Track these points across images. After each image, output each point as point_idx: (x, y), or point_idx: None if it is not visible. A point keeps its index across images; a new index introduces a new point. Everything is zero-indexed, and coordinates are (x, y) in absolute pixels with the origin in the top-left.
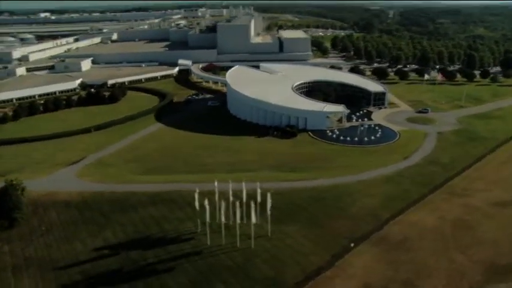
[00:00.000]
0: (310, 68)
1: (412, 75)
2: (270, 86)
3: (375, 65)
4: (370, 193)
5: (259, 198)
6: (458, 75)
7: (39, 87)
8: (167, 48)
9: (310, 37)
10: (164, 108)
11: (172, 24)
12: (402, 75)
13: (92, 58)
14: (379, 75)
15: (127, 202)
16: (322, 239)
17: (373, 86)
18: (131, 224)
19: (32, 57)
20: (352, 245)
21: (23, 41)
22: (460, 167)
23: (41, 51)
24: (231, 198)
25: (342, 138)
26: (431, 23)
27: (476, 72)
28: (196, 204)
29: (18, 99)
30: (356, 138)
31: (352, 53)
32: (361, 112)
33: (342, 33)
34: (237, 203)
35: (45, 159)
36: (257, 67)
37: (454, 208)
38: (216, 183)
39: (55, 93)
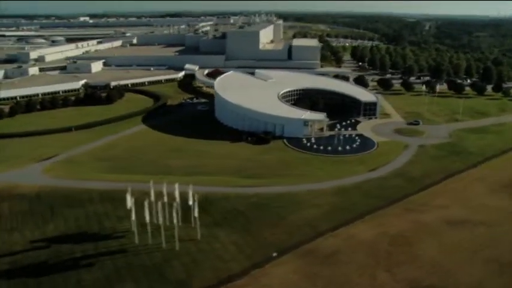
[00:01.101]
0: (305, 76)
1: (418, 86)
2: (257, 92)
3: (388, 75)
4: (316, 203)
5: (190, 202)
6: (469, 88)
7: (43, 86)
8: (177, 53)
9: (333, 46)
10: (155, 111)
11: (200, 31)
12: (408, 87)
13: (103, 60)
14: (384, 85)
15: (77, 198)
16: (249, 246)
17: (364, 95)
18: (74, 219)
19: (48, 58)
20: (274, 254)
21: (53, 43)
22: (428, 181)
23: (58, 53)
24: (165, 200)
25: (315, 146)
26: (467, 36)
27: (490, 86)
28: (128, 203)
29: (22, 97)
30: (329, 148)
31: (366, 63)
32: (348, 122)
33: (369, 43)
34: (160, 204)
35: (23, 154)
36: None
37: (401, 224)
38: (151, 184)
39: (58, 92)
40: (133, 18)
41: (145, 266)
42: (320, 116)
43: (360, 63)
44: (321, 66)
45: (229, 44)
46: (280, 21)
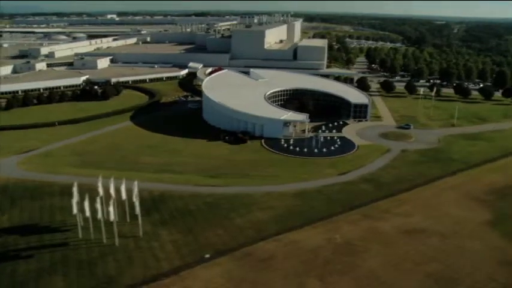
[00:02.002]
0: (299, 76)
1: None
2: (244, 91)
3: (397, 78)
4: (271, 206)
5: (134, 199)
6: (477, 93)
7: (44, 81)
8: (184, 51)
9: (348, 47)
10: (146, 108)
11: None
12: (411, 90)
13: (111, 57)
14: (386, 88)
15: (40, 191)
16: (188, 246)
17: (356, 97)
18: (29, 211)
19: (57, 54)
20: (207, 256)
21: (75, 40)
22: (398, 188)
23: (68, 49)
24: (113, 196)
25: (291, 148)
26: (496, 39)
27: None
28: (74, 198)
29: (24, 91)
30: (305, 150)
31: (376, 65)
32: (335, 123)
33: (390, 45)
34: (103, 200)
35: (5, 146)
36: None
37: (353, 231)
38: (100, 179)
39: (60, 87)
40: (160, 17)
41: (80, 261)
42: (301, 117)
43: (373, 65)
44: (329, 67)
45: (234, 43)
46: (297, 22)
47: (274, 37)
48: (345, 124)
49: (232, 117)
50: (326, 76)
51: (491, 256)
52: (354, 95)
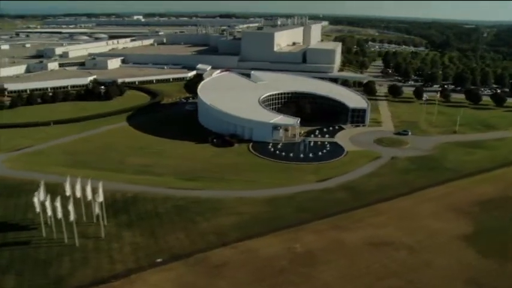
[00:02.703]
0: (301, 79)
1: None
2: (240, 94)
3: (410, 82)
4: (239, 211)
5: (101, 199)
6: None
7: (52, 80)
8: (195, 53)
9: (366, 51)
10: (144, 108)
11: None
12: (419, 95)
13: (122, 58)
14: (393, 92)
15: (20, 188)
16: (146, 249)
17: (355, 101)
18: (3, 208)
19: (71, 54)
20: (159, 260)
21: (97, 40)
22: (378, 197)
23: (83, 50)
24: (78, 196)
25: (277, 152)
26: None
27: None
28: (41, 196)
29: (32, 90)
30: (291, 154)
31: (390, 69)
32: (330, 128)
33: (412, 49)
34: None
35: (1, 143)
36: None
37: (318, 241)
38: (68, 180)
39: (67, 87)
40: (185, 18)
41: (36, 260)
42: (291, 120)
43: (388, 69)
44: (342, 70)
45: (243, 45)
46: (315, 25)
47: (285, 39)
48: (341, 129)
49: (222, 119)
50: (335, 79)
51: (459, 274)
52: (353, 99)
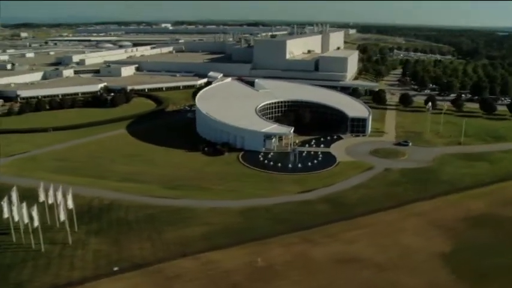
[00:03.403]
0: (303, 87)
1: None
2: (238, 102)
3: (427, 91)
4: (209, 222)
5: (70, 206)
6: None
7: (63, 87)
8: (208, 60)
9: (386, 59)
10: (147, 116)
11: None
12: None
13: (136, 65)
14: (404, 101)
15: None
16: (108, 257)
17: (355, 110)
18: None
19: (87, 62)
20: (115, 269)
21: (120, 47)
22: (359, 210)
23: (99, 57)
24: (50, 202)
25: (266, 162)
26: None
27: None
28: (4, 202)
29: (44, 96)
30: (279, 164)
31: (407, 77)
32: (328, 138)
33: (438, 58)
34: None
35: None
36: None
37: (283, 255)
38: (41, 186)
39: (77, 94)
40: (213, 26)
41: (0, 264)
42: (284, 129)
43: (405, 78)
44: (357, 79)
45: (256, 53)
46: (335, 33)
47: (299, 47)
48: (339, 138)
49: (216, 128)
50: (346, 88)
51: None
52: (354, 108)
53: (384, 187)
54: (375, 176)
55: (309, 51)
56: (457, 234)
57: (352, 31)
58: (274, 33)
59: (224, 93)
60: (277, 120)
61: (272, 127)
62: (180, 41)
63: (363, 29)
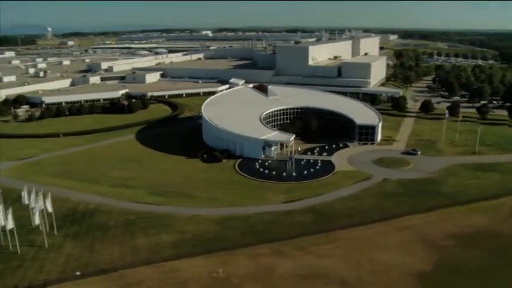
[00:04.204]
0: (315, 94)
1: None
2: (246, 108)
3: (456, 98)
4: (183, 229)
5: (50, 209)
6: None
7: (86, 94)
8: (232, 67)
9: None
10: (159, 122)
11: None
12: (453, 111)
13: (161, 72)
14: (424, 109)
15: None
16: (78, 261)
17: (365, 117)
18: None
19: (115, 69)
20: (78, 273)
21: (157, 54)
22: (343, 223)
23: (127, 64)
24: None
25: (261, 170)
26: None
27: None
28: None
29: (67, 102)
30: (274, 172)
31: (437, 84)
32: (333, 146)
33: (479, 62)
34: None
35: (10, 153)
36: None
37: (247, 267)
38: (25, 188)
39: (99, 100)
40: (253, 33)
41: None
42: (284, 137)
43: (429, 85)
44: (383, 85)
45: (278, 59)
46: (366, 38)
47: (324, 53)
48: (345, 147)
49: (217, 134)
50: (369, 95)
51: None
52: (364, 115)
53: (375, 199)
54: (369, 187)
55: (335, 57)
56: (443, 252)
57: (393, 37)
58: (299, 39)
59: (233, 100)
60: (284, 127)
61: (272, 134)
62: (211, 47)
63: (405, 34)
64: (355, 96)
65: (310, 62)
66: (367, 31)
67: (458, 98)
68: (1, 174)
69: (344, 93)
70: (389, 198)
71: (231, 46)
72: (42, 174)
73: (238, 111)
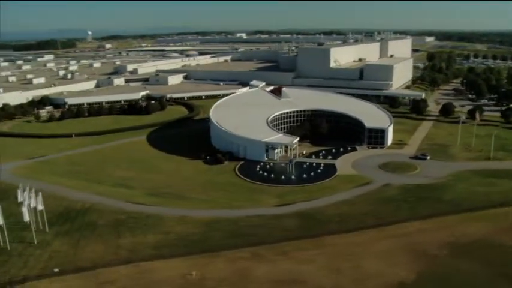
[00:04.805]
0: (330, 96)
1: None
2: (256, 111)
3: (483, 101)
4: (168, 230)
5: (41, 207)
6: None
7: (107, 95)
8: (255, 69)
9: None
10: (173, 123)
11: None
12: (473, 115)
13: (185, 74)
14: (444, 112)
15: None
16: (61, 258)
17: (375, 120)
18: None
19: (140, 71)
20: (56, 270)
21: (188, 56)
22: (332, 228)
23: (153, 66)
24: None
25: (261, 172)
26: None
27: None
28: None
29: (89, 103)
30: (272, 175)
31: (464, 86)
32: (341, 149)
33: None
34: None
35: (22, 152)
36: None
37: (223, 270)
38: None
39: (120, 101)
40: (287, 35)
41: None
42: (288, 139)
43: (456, 87)
44: (408, 88)
45: (299, 61)
46: (397, 40)
47: (348, 55)
48: (353, 150)
49: (222, 136)
50: (389, 97)
51: None
52: (374, 118)
53: (371, 204)
54: (368, 192)
55: (360, 60)
56: (431, 262)
57: (429, 39)
58: (322, 41)
59: (244, 102)
60: (292, 130)
61: (275, 137)
62: (239, 50)
63: (444, 36)
64: (377, 99)
65: (332, 64)
66: (405, 33)
67: (486, 101)
68: (10, 172)
69: (365, 96)
70: (387, 204)
71: (257, 48)
72: (48, 173)
73: (246, 114)
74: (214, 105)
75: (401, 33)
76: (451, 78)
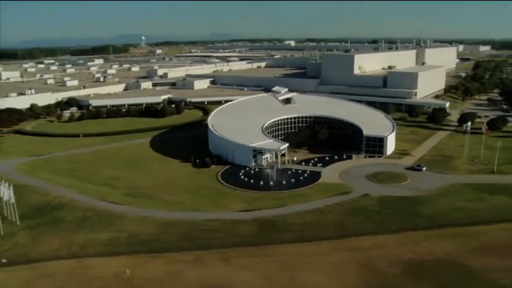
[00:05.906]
0: (339, 103)
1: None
2: (257, 116)
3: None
4: (124, 229)
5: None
6: None
7: (130, 98)
8: (280, 75)
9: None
10: (182, 126)
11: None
12: (493, 125)
13: (211, 79)
14: (462, 122)
15: None
16: (18, 249)
17: (376, 128)
18: None
19: (170, 75)
20: (4, 261)
21: (228, 62)
22: (287, 237)
23: (183, 71)
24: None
25: (242, 177)
26: None
27: None
28: None
29: (112, 106)
30: (252, 181)
31: (500, 96)
32: (336, 157)
33: None
34: None
35: (28, 149)
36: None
37: (158, 271)
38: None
39: (142, 104)
40: (336, 43)
41: None
42: (276, 145)
43: (490, 97)
44: (437, 97)
45: (324, 68)
46: (436, 48)
47: (375, 63)
48: (348, 158)
49: (215, 140)
50: (410, 106)
51: None
52: (375, 126)
53: (340, 215)
54: (342, 201)
55: (389, 67)
56: (375, 279)
57: (484, 48)
58: (350, 48)
59: (246, 107)
60: (289, 136)
61: (264, 142)
62: (275, 56)
63: (503, 45)
64: (398, 107)
65: (356, 71)
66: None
67: None
68: (14, 168)
69: (386, 104)
70: (357, 215)
71: (292, 55)
72: (45, 171)
73: (244, 119)
74: (216, 110)
75: (456, 43)
76: (490, 87)
